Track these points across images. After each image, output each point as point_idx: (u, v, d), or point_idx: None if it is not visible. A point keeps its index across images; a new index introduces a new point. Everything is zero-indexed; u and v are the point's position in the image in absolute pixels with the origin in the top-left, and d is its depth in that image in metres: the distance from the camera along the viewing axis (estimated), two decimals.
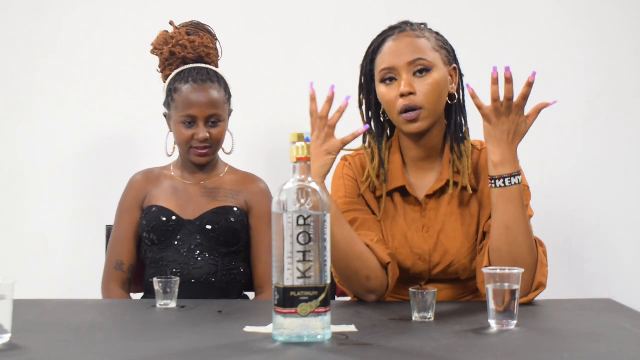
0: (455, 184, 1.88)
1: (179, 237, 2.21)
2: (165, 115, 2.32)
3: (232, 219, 2.23)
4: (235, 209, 2.25)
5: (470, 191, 1.87)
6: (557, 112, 2.74)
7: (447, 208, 1.89)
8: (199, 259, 2.20)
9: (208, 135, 2.23)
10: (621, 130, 2.75)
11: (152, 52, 2.34)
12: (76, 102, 2.79)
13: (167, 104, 2.29)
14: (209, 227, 2.21)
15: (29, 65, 2.80)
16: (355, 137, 1.77)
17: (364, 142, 1.96)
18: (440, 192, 1.90)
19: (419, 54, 1.83)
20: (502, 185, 1.73)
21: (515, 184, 1.73)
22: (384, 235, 1.89)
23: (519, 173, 1.75)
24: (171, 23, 2.37)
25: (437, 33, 1.92)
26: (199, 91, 2.24)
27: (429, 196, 1.89)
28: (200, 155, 2.25)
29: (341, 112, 1.77)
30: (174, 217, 2.22)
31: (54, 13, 2.79)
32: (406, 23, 1.92)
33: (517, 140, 1.76)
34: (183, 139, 2.24)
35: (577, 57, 2.75)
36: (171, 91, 2.27)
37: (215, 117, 2.25)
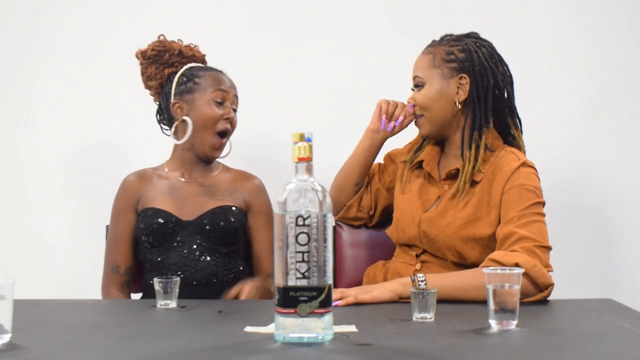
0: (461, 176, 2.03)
1: (178, 238, 2.19)
2: (172, 105, 2.26)
3: (232, 219, 2.22)
4: (234, 208, 2.24)
5: (473, 193, 1.99)
6: (557, 112, 2.76)
7: (450, 192, 2.04)
8: (200, 259, 2.17)
9: (234, 116, 2.28)
10: (621, 130, 2.75)
11: (150, 53, 2.29)
12: (77, 102, 2.78)
13: (184, 91, 2.26)
14: (208, 227, 2.19)
15: (29, 65, 2.80)
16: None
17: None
18: (452, 179, 2.06)
19: (416, 72, 2.09)
20: (423, 287, 1.78)
21: (422, 280, 1.80)
22: (396, 196, 2.18)
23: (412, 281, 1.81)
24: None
25: (456, 44, 2.06)
26: (226, 77, 2.31)
27: (445, 179, 2.07)
28: (217, 148, 2.26)
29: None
30: (172, 219, 2.19)
31: (54, 13, 2.79)
32: (439, 38, 2.11)
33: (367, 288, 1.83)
34: (214, 117, 2.24)
35: (577, 57, 2.75)
36: (192, 76, 2.27)
37: (237, 104, 2.31)
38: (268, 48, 2.77)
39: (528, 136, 2.57)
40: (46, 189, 2.79)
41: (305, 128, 1.46)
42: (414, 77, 2.09)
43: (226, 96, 2.26)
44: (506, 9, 2.76)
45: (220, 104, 2.25)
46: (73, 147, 2.79)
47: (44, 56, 2.79)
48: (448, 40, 2.09)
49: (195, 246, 2.18)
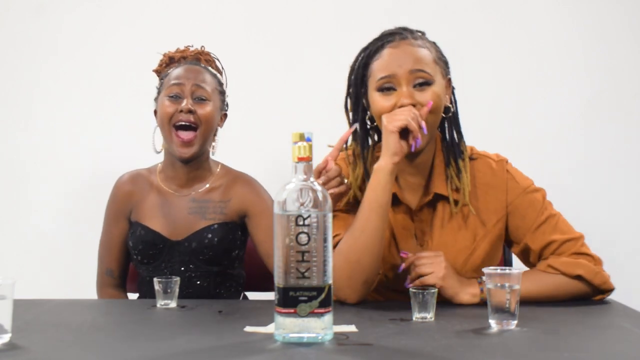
0: (456, 202, 1.80)
1: (167, 258, 2.11)
2: (155, 112, 2.19)
3: (217, 238, 2.09)
4: (225, 226, 2.11)
5: (473, 211, 1.80)
6: (557, 112, 2.76)
7: (440, 221, 1.83)
8: (190, 282, 2.09)
9: (192, 108, 2.06)
10: (621, 131, 2.75)
11: (155, 70, 2.25)
12: (77, 102, 2.79)
13: (157, 94, 2.18)
14: (197, 249, 2.08)
15: (29, 66, 2.80)
16: (344, 141, 1.83)
17: (346, 147, 1.88)
18: (428, 206, 1.83)
19: (420, 65, 1.74)
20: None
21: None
22: None
23: (480, 289, 1.74)
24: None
25: (434, 43, 1.83)
26: (188, 69, 2.13)
27: (416, 210, 1.84)
28: (184, 144, 2.08)
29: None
30: (161, 239, 2.10)
31: (54, 13, 2.79)
32: (405, 29, 1.81)
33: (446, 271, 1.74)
34: (166, 116, 2.08)
35: (577, 57, 2.75)
36: (163, 77, 2.17)
37: (203, 94, 2.10)
38: (268, 48, 2.78)
39: (528, 136, 2.59)
40: (46, 189, 2.79)
41: (305, 128, 1.46)
42: (418, 71, 1.73)
43: (182, 89, 2.09)
44: (506, 9, 2.76)
45: (175, 98, 2.09)
46: (73, 147, 2.79)
47: (44, 56, 2.80)
48: (418, 35, 1.82)
49: (184, 267, 2.10)
